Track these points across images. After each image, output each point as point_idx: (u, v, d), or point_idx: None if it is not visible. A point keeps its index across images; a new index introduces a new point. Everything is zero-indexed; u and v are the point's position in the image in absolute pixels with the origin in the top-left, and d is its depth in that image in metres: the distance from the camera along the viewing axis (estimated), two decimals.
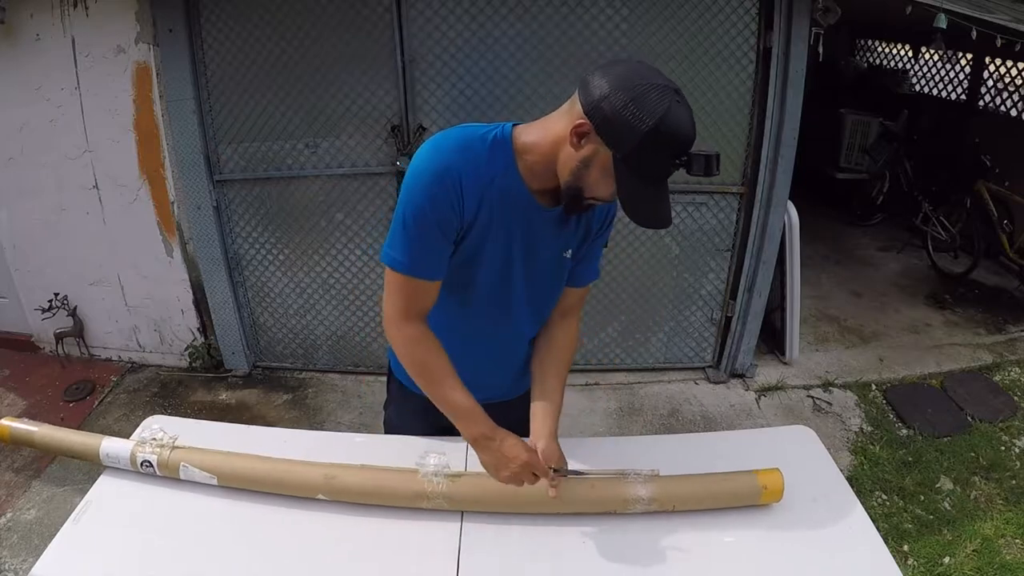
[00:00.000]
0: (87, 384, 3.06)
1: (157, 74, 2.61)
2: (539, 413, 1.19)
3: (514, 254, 1.12)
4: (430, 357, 1.13)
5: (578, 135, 0.97)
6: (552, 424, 1.17)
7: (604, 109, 0.93)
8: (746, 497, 1.18)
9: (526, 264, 1.14)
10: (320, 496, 1.18)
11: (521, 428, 1.39)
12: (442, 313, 1.16)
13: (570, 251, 1.18)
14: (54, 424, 1.38)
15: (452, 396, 1.12)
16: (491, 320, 1.21)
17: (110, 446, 1.26)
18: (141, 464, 1.23)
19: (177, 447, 1.24)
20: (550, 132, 1.03)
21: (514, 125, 1.09)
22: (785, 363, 3.26)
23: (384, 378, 1.51)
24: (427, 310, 1.12)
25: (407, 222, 1.04)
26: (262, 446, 1.27)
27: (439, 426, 1.33)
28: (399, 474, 1.19)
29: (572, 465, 1.14)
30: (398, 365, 1.35)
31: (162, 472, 1.23)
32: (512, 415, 1.37)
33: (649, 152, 0.93)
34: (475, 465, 1.17)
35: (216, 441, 1.28)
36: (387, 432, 1.47)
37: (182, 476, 1.22)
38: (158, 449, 1.23)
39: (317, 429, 2.77)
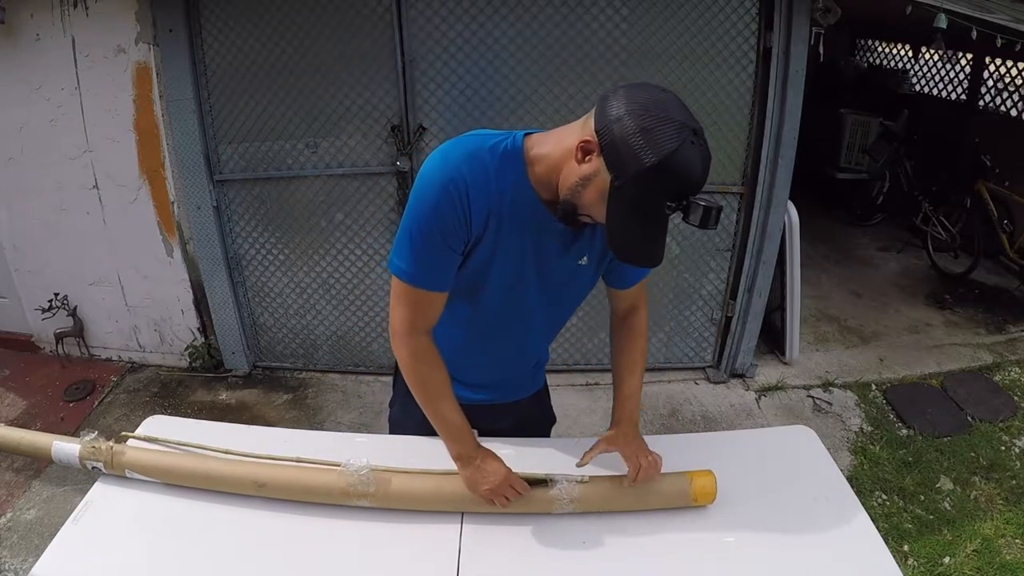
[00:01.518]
0: (87, 384, 3.06)
1: (157, 74, 2.61)
2: (615, 400, 1.28)
3: (526, 264, 1.11)
4: (431, 373, 1.14)
5: (583, 151, 0.94)
6: (624, 412, 1.25)
7: (614, 131, 0.89)
8: (676, 499, 1.18)
9: (539, 273, 1.13)
10: (256, 495, 1.21)
11: (526, 430, 1.39)
12: (454, 316, 1.16)
13: (585, 258, 1.15)
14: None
15: (446, 414, 1.15)
16: (503, 326, 1.20)
17: (61, 450, 1.27)
18: (91, 469, 1.24)
19: (118, 452, 1.24)
20: (561, 144, 1.00)
21: (526, 134, 1.06)
22: (785, 363, 3.26)
23: (386, 377, 1.51)
24: (433, 322, 1.12)
25: (413, 233, 1.02)
26: (262, 446, 1.27)
27: None
28: (327, 475, 1.20)
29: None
30: None
31: (109, 471, 1.24)
32: (518, 415, 1.38)
33: (647, 187, 0.89)
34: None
35: (216, 441, 1.28)
36: (391, 428, 1.47)
37: (128, 476, 1.24)
38: (102, 457, 1.23)
39: (317, 429, 2.77)
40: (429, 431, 1.24)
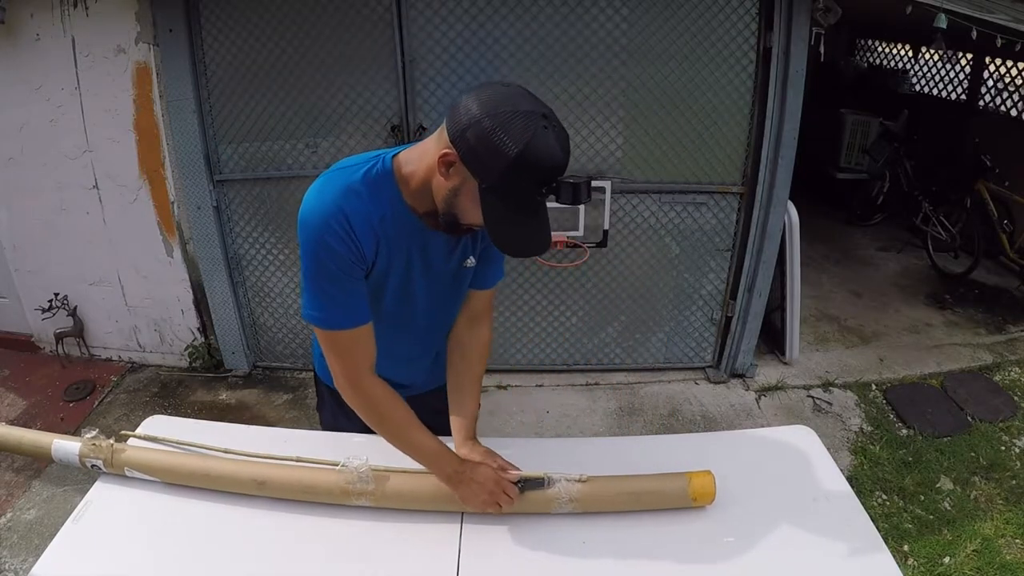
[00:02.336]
0: (87, 384, 3.06)
1: (157, 74, 2.61)
2: (456, 425, 1.25)
3: (414, 276, 1.14)
4: (391, 412, 1.14)
5: (445, 164, 0.95)
6: (469, 432, 1.25)
7: (468, 138, 0.91)
8: (676, 499, 1.18)
9: (426, 281, 1.16)
10: (256, 494, 1.21)
11: (437, 419, 1.38)
12: None
13: (471, 259, 1.19)
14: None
15: (419, 442, 1.15)
16: (399, 330, 1.22)
17: (60, 448, 1.27)
18: (91, 467, 1.25)
19: (118, 450, 1.24)
20: (424, 160, 1.01)
21: (394, 155, 1.07)
22: (785, 363, 3.26)
23: None
24: (372, 358, 1.11)
25: (314, 277, 1.03)
26: (262, 446, 1.27)
27: None
28: (326, 474, 1.20)
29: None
30: (323, 369, 1.36)
31: (108, 470, 1.24)
32: (429, 406, 1.38)
33: (515, 181, 0.91)
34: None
35: (216, 441, 1.28)
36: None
37: (128, 475, 1.24)
38: (101, 455, 1.24)
39: (317, 429, 2.76)
40: (364, 429, 1.25)
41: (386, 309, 1.17)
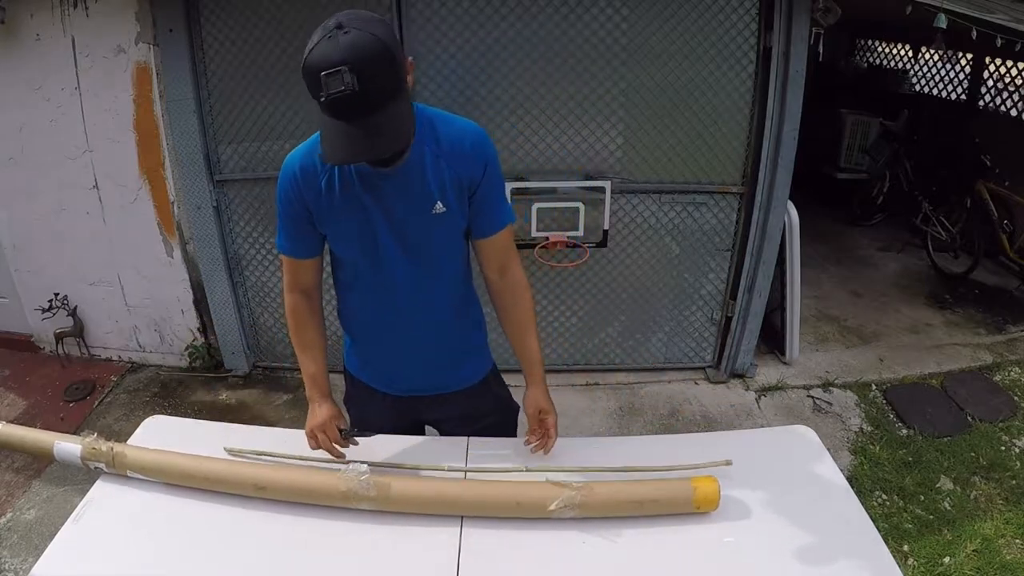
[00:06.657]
0: (87, 384, 3.06)
1: (157, 74, 2.61)
2: (524, 370, 1.37)
3: (374, 221, 1.18)
4: (299, 329, 1.35)
5: None
6: (533, 378, 1.35)
7: None
8: (679, 505, 1.17)
9: (391, 228, 1.19)
10: (255, 495, 1.22)
11: (478, 421, 1.42)
12: (348, 304, 1.38)
13: (439, 204, 1.18)
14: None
15: (304, 363, 1.34)
16: (385, 299, 1.28)
17: (63, 450, 1.28)
18: (93, 468, 1.26)
19: (119, 453, 1.24)
20: None
21: None
22: (785, 363, 3.26)
23: None
24: (309, 284, 1.35)
25: (278, 213, 1.25)
26: (262, 446, 1.27)
27: (409, 421, 1.40)
28: (327, 477, 1.20)
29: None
30: (351, 360, 1.45)
31: (111, 470, 1.25)
32: (451, 409, 1.42)
33: (307, 87, 0.96)
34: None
35: (216, 441, 1.28)
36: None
37: (130, 476, 1.25)
38: (103, 458, 1.24)
39: None
40: (395, 428, 1.35)
41: (362, 266, 1.26)
